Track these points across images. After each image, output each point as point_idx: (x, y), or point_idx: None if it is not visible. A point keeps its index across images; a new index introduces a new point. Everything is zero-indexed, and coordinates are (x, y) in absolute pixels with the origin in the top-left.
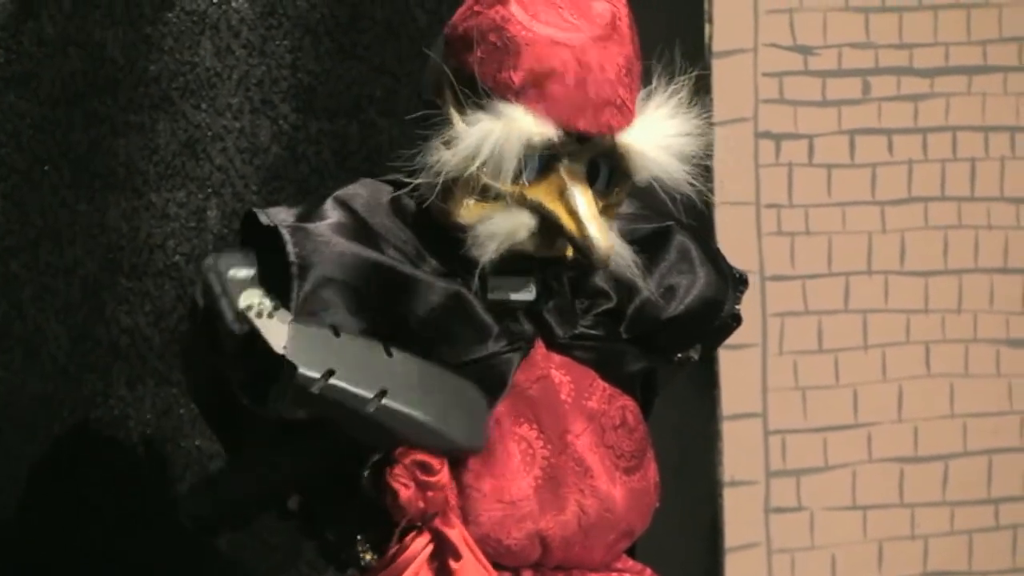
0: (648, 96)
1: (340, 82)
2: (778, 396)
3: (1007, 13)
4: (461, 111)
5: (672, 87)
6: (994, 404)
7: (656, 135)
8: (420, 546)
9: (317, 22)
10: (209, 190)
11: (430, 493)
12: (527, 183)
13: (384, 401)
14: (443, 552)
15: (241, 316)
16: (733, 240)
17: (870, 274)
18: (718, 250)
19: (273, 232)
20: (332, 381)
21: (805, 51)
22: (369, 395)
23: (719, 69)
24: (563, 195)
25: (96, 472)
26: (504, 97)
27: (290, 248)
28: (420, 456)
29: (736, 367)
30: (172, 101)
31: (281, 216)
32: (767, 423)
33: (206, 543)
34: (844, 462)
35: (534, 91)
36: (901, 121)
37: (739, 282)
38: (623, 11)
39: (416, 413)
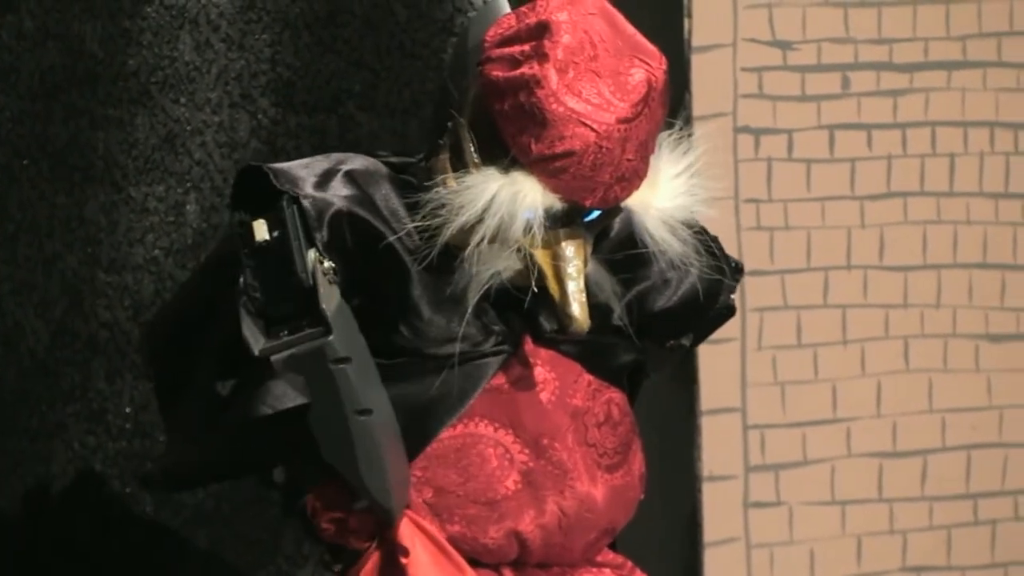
0: (660, 147)
1: (319, 76)
2: (757, 391)
3: (986, 8)
4: (475, 148)
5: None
6: (973, 399)
7: (659, 204)
8: (366, 558)
9: (296, 16)
10: (188, 184)
11: (352, 524)
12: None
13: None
14: (393, 553)
15: (311, 271)
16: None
17: (849, 269)
18: (715, 239)
19: (291, 199)
20: (345, 367)
21: (784, 46)
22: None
23: (698, 64)
24: (556, 258)
25: (74, 467)
26: (519, 159)
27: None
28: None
29: (715, 362)
30: (151, 95)
31: (293, 175)
32: (746, 418)
33: (186, 538)
34: (823, 457)
35: (549, 166)
36: (880, 116)
37: (734, 271)
38: (660, 78)
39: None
